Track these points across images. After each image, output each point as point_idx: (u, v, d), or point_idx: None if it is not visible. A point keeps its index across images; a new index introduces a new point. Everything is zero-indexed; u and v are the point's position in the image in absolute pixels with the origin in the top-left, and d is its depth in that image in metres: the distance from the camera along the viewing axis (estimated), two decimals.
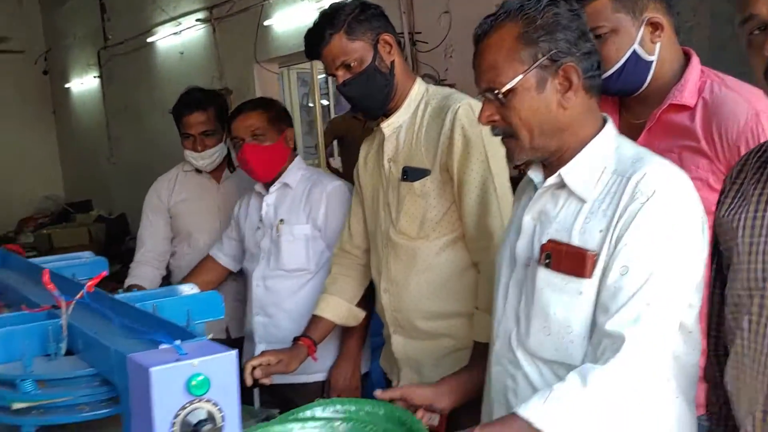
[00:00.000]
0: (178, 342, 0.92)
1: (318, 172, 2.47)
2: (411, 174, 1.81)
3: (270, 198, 2.29)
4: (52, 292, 1.10)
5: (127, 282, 2.59)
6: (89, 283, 1.11)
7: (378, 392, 1.45)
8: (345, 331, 2.25)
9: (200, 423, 0.88)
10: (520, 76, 1.21)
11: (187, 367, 0.88)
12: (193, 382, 0.88)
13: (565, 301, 1.20)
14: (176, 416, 0.87)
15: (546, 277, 1.22)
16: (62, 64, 9.42)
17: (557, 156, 1.26)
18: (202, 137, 2.56)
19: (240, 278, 2.53)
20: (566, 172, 1.24)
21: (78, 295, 1.11)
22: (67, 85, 9.43)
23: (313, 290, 2.20)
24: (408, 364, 1.92)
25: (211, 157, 2.59)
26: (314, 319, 2.06)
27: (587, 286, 1.17)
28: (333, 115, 7.21)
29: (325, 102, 7.63)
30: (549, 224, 1.25)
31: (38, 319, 1.16)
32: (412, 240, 1.83)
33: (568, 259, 1.19)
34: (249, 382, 1.83)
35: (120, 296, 1.31)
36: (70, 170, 10.16)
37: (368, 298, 2.12)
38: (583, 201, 1.22)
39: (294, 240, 2.23)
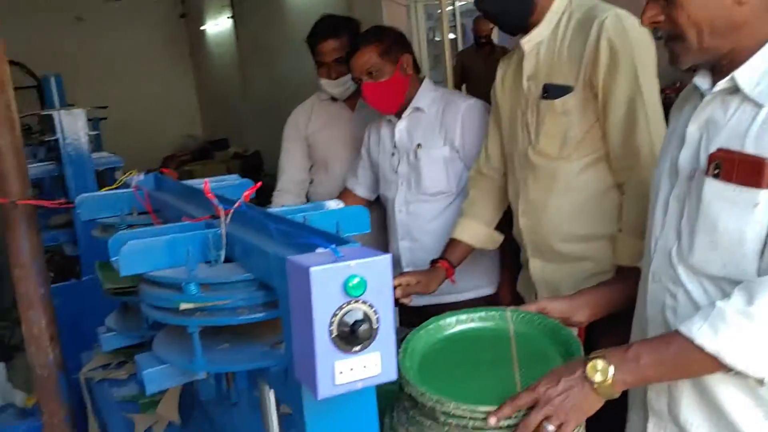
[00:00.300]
0: (334, 246, 0.94)
1: (449, 93, 2.42)
2: (552, 91, 1.74)
3: (402, 123, 2.28)
4: (212, 200, 1.15)
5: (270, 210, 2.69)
6: (246, 193, 1.15)
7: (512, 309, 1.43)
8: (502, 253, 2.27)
9: (357, 323, 0.89)
10: None
11: (344, 268, 0.89)
12: (351, 283, 0.89)
13: (736, 213, 1.11)
14: (334, 315, 0.89)
15: (715, 188, 1.14)
16: (198, 7, 9.76)
17: (729, 59, 1.16)
18: (335, 64, 2.56)
19: (375, 206, 2.56)
20: (741, 74, 1.13)
21: (236, 204, 1.15)
22: (202, 27, 9.78)
23: (457, 211, 2.19)
24: (546, 289, 1.89)
25: (344, 84, 2.60)
26: (452, 242, 2.06)
27: (764, 196, 1.08)
28: (460, 49, 7.06)
29: (452, 36, 7.49)
30: (717, 133, 1.16)
31: (198, 228, 1.21)
32: (552, 160, 1.77)
33: (742, 169, 1.10)
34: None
35: (271, 210, 1.35)
36: (208, 110, 10.63)
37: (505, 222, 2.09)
38: (759, 106, 1.11)
39: (433, 163, 2.21)
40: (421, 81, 2.30)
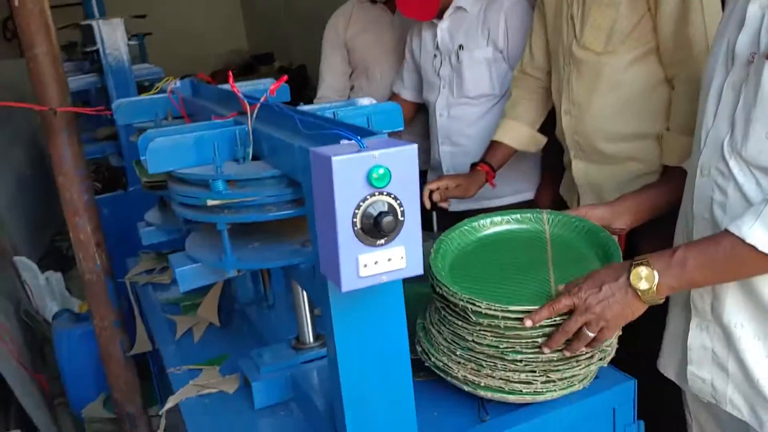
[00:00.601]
0: (359, 137, 0.90)
1: None
2: None
3: (444, 24, 2.19)
4: (238, 95, 1.11)
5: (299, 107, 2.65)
6: (272, 87, 1.11)
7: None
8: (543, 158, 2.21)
9: (381, 214, 0.87)
10: None
11: (368, 158, 0.86)
12: (375, 174, 0.86)
13: None
14: (358, 207, 0.86)
15: None
16: None
17: None
18: None
19: (420, 112, 2.49)
20: None
21: (262, 98, 1.12)
22: None
23: (499, 115, 2.12)
24: (590, 190, 1.83)
25: None
26: (493, 145, 2.00)
27: None
28: None
29: None
30: None
31: (226, 125, 1.19)
32: (598, 55, 1.68)
33: None
34: (428, 205, 1.84)
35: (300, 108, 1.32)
36: (252, 24, 10.50)
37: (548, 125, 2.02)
38: None
39: (475, 65, 2.13)
40: None
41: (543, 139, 2.02)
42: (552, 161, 2.09)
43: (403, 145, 0.88)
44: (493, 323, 1.11)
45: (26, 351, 2.63)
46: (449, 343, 1.18)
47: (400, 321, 1.03)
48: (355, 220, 0.87)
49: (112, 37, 2.90)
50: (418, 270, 0.92)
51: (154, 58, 8.33)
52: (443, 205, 1.89)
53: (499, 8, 2.10)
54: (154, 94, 1.90)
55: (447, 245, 1.30)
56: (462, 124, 2.18)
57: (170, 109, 1.76)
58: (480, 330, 1.13)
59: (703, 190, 1.18)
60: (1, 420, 2.39)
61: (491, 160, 1.98)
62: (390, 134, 1.29)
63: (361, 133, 0.95)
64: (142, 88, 3.01)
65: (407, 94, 2.45)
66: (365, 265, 0.89)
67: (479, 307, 1.11)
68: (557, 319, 1.10)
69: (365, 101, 1.36)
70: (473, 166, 1.98)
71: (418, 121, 2.44)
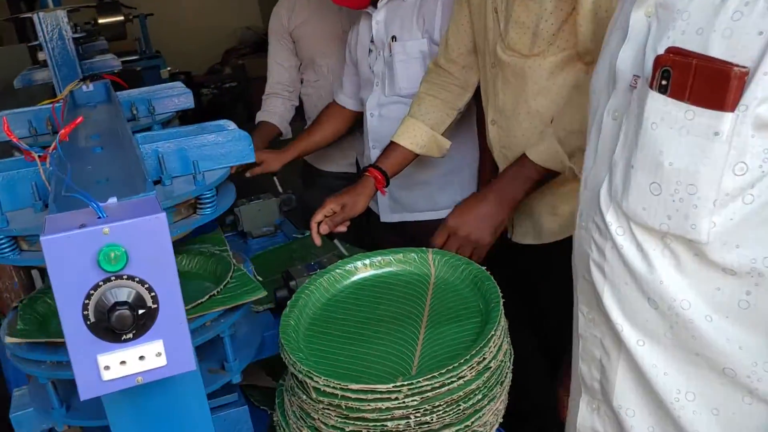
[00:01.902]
0: (97, 203, 0.71)
1: None
2: None
3: (380, 14, 1.95)
4: (19, 144, 0.92)
5: (258, 117, 2.46)
6: (62, 131, 0.92)
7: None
8: (481, 162, 1.99)
9: (115, 307, 0.68)
10: None
11: (95, 235, 0.67)
12: (106, 255, 0.67)
13: (689, 145, 0.77)
14: (88, 296, 0.68)
15: (660, 106, 0.79)
16: None
17: None
18: None
19: None
20: None
21: (51, 148, 0.93)
22: None
23: None
24: (523, 212, 1.59)
25: None
26: (389, 146, 1.75)
27: (728, 123, 0.74)
28: None
29: None
30: (672, 23, 0.80)
31: (24, 166, 1.01)
32: (523, 58, 1.43)
33: (700, 80, 0.75)
34: (318, 241, 1.62)
35: (139, 136, 1.13)
36: (266, 1, 10.28)
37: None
38: None
39: (408, 59, 1.89)
40: None
41: (446, 143, 1.77)
42: (490, 171, 1.85)
43: (150, 214, 0.69)
44: (333, 402, 0.92)
45: None
46: (297, 418, 0.99)
47: (201, 412, 0.84)
48: (86, 313, 0.68)
49: (54, 29, 2.73)
50: (188, 365, 0.73)
51: (164, 37, 8.22)
52: (340, 229, 1.67)
53: None
54: (53, 101, 1.73)
55: (310, 296, 1.11)
56: (393, 126, 1.94)
57: (51, 123, 1.59)
58: (323, 408, 0.94)
59: (581, 244, 0.96)
60: None
61: (383, 163, 1.73)
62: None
63: (122, 190, 0.76)
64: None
65: (346, 101, 2.23)
66: (107, 367, 0.70)
67: (317, 382, 0.92)
68: (408, 401, 0.91)
69: (230, 125, 1.16)
70: (363, 170, 1.75)
71: (359, 123, 2.22)
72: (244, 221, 2.09)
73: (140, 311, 0.69)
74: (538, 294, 1.46)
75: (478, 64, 1.66)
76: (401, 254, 1.17)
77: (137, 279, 0.69)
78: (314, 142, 2.27)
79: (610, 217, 0.88)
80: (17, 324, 1.04)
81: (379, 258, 1.17)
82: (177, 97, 1.66)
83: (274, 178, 2.25)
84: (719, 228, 0.77)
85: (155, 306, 0.70)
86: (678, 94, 0.78)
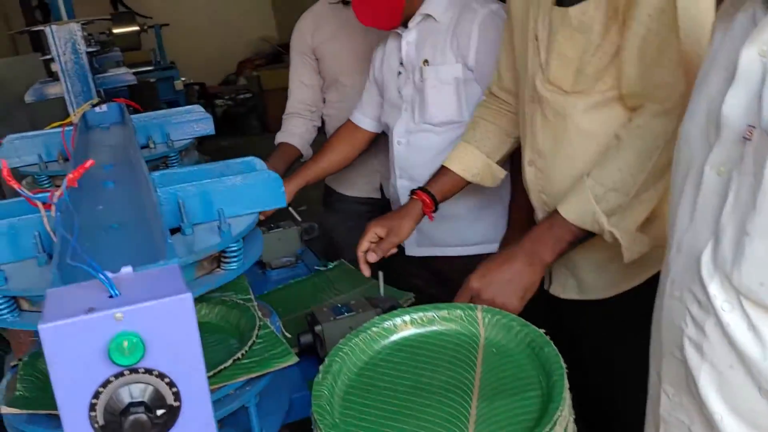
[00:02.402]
0: (111, 274, 0.59)
1: None
2: None
3: (410, 35, 1.83)
4: (20, 190, 0.80)
5: (278, 138, 2.34)
6: (70, 176, 0.80)
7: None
8: (513, 198, 1.86)
9: (130, 408, 0.56)
10: None
11: (105, 323, 0.55)
12: (117, 346, 0.55)
13: None
14: (96, 395, 0.56)
15: None
16: None
17: None
18: None
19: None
20: None
21: (56, 195, 0.80)
22: None
23: None
24: (564, 265, 1.45)
25: None
26: (440, 171, 1.62)
27: None
28: None
29: None
30: None
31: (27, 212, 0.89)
32: (565, 95, 1.29)
33: None
34: (367, 273, 1.52)
35: (156, 176, 1.01)
36: (282, 12, 10.22)
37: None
38: None
39: (440, 85, 1.75)
40: None
41: (501, 173, 1.63)
42: (523, 209, 1.71)
43: (171, 295, 0.57)
44: None
45: None
46: None
47: None
48: (93, 414, 0.56)
49: (67, 43, 2.63)
50: None
51: (179, 47, 8.16)
52: (392, 252, 1.55)
53: (472, 18, 1.73)
54: (63, 123, 1.62)
55: (345, 359, 0.98)
56: (423, 156, 1.82)
57: (60, 151, 1.48)
58: None
59: (671, 316, 0.83)
60: None
61: (432, 187, 1.59)
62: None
63: (140, 255, 0.64)
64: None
65: (363, 121, 2.09)
66: None
67: None
68: None
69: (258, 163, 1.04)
70: (411, 193, 1.62)
71: (384, 146, 2.09)
72: (263, 251, 1.97)
73: (159, 411, 0.57)
74: (579, 356, 1.30)
75: None
76: (446, 310, 1.04)
77: (156, 373, 0.57)
78: (325, 167, 2.14)
79: (715, 290, 0.75)
80: (16, 388, 0.92)
81: (421, 314, 1.04)
82: (196, 122, 1.56)
83: (289, 208, 2.13)
84: None
85: (177, 404, 0.58)
86: None
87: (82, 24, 2.54)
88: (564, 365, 0.91)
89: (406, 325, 1.04)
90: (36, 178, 1.45)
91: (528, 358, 0.96)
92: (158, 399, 0.57)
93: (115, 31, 6.92)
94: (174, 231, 0.93)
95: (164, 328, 0.57)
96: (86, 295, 0.58)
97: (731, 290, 0.74)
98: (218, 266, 0.90)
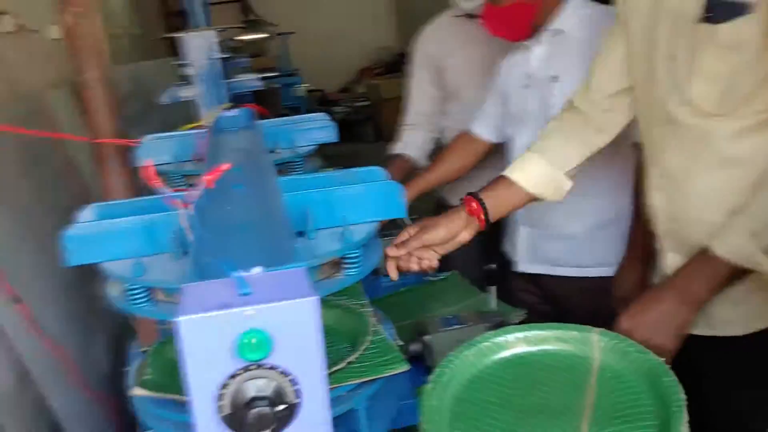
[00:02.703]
0: (240, 274, 0.63)
1: (607, 11, 1.77)
2: (719, 9, 1.18)
3: (539, 49, 1.81)
4: (159, 188, 0.86)
5: (396, 148, 2.37)
6: (207, 177, 0.85)
7: None
8: (635, 221, 1.79)
9: (253, 402, 0.59)
10: None
11: (236, 318, 0.58)
12: (245, 341, 0.58)
13: None
14: (224, 386, 0.59)
15: None
16: None
17: None
18: None
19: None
20: None
21: (193, 195, 0.85)
22: None
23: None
24: None
25: None
26: (497, 179, 1.49)
27: None
28: None
29: None
30: None
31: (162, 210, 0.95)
32: (706, 117, 1.20)
33: None
34: (394, 275, 1.44)
35: (284, 181, 1.05)
36: (403, 22, 10.35)
37: None
38: None
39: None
40: None
41: (566, 185, 1.48)
42: (643, 235, 1.63)
43: (300, 296, 0.59)
44: None
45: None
46: None
47: None
48: (221, 404, 0.60)
49: (202, 49, 2.78)
50: None
51: (301, 54, 8.42)
52: (426, 265, 1.41)
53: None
54: (196, 126, 1.72)
55: (455, 371, 0.98)
56: None
57: (194, 152, 1.57)
58: None
59: None
60: None
61: (485, 194, 1.43)
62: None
63: (266, 258, 0.68)
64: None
65: (482, 131, 2.07)
66: None
67: None
68: None
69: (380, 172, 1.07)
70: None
71: (500, 159, 2.07)
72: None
73: (280, 407, 0.60)
74: (701, 397, 1.21)
75: (626, 107, 1.44)
76: (561, 330, 1.03)
77: (280, 370, 0.60)
78: (439, 176, 2.14)
79: None
80: (146, 372, 0.99)
81: (535, 333, 1.03)
82: (320, 130, 1.61)
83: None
84: None
85: (297, 401, 0.61)
86: None
87: (218, 31, 2.68)
88: (684, 397, 0.87)
89: (518, 342, 1.03)
90: (169, 176, 1.54)
91: (644, 386, 0.93)
92: (280, 395, 0.60)
93: (244, 38, 7.25)
94: (298, 235, 0.97)
95: (291, 327, 0.59)
96: (220, 291, 0.62)
97: None
98: (338, 271, 0.92)
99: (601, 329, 1.02)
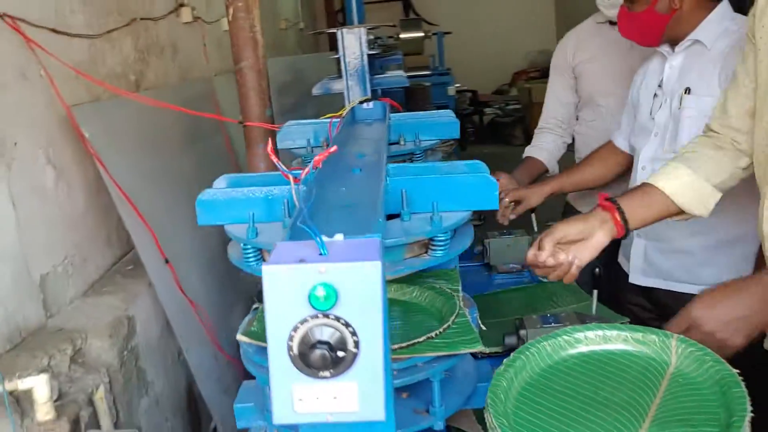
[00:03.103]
0: (326, 238, 0.73)
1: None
2: None
3: (676, 59, 1.79)
4: (277, 163, 0.98)
5: (527, 151, 2.42)
6: (317, 158, 0.96)
7: None
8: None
9: (317, 345, 0.69)
10: None
11: (310, 272, 0.69)
12: (316, 293, 0.68)
13: None
14: (295, 329, 0.70)
15: None
16: None
17: None
18: None
19: None
20: None
21: (304, 172, 0.97)
22: None
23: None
24: None
25: None
26: (639, 186, 1.47)
27: None
28: None
29: None
30: None
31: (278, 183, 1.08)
32: None
33: None
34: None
35: (391, 167, 1.15)
36: (564, 25, 10.17)
37: None
38: None
39: (699, 116, 1.67)
40: (715, 6, 1.76)
41: (714, 198, 1.43)
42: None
43: (364, 259, 0.69)
44: None
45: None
46: None
47: None
48: (291, 343, 0.70)
49: (353, 45, 2.94)
50: (378, 415, 0.72)
51: (457, 55, 8.53)
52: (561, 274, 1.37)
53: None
54: (339, 115, 1.86)
55: (530, 357, 1.04)
56: None
57: (325, 138, 1.70)
58: None
59: None
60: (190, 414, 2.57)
61: (624, 202, 1.38)
62: None
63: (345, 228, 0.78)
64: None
65: (623, 144, 2.06)
66: (301, 399, 0.71)
67: None
68: None
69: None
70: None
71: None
72: (491, 254, 2.07)
73: (340, 353, 0.70)
74: None
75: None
76: (641, 333, 1.05)
77: (342, 321, 0.69)
78: (577, 180, 2.16)
79: None
80: (252, 324, 1.12)
81: (615, 332, 1.06)
82: (443, 126, 1.69)
83: (532, 214, 2.19)
84: None
85: (356, 351, 0.70)
86: None
87: (369, 29, 2.83)
88: (750, 408, 0.88)
89: (597, 340, 1.07)
90: (303, 158, 1.68)
91: (714, 395, 0.94)
92: (341, 342, 0.70)
93: (402, 36, 7.46)
94: (394, 217, 1.06)
95: (355, 285, 0.69)
96: (303, 250, 0.72)
97: None
98: (426, 251, 1.01)
99: (680, 336, 1.03)
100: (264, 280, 0.69)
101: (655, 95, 1.84)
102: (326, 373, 0.71)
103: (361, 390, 0.71)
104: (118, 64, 2.75)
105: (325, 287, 0.68)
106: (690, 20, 1.73)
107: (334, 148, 0.97)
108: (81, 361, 1.99)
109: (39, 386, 1.53)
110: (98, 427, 1.84)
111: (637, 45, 2.19)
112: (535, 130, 2.48)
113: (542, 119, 2.46)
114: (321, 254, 0.72)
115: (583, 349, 1.07)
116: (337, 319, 0.70)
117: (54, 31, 2.23)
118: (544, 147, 2.38)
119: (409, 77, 5.82)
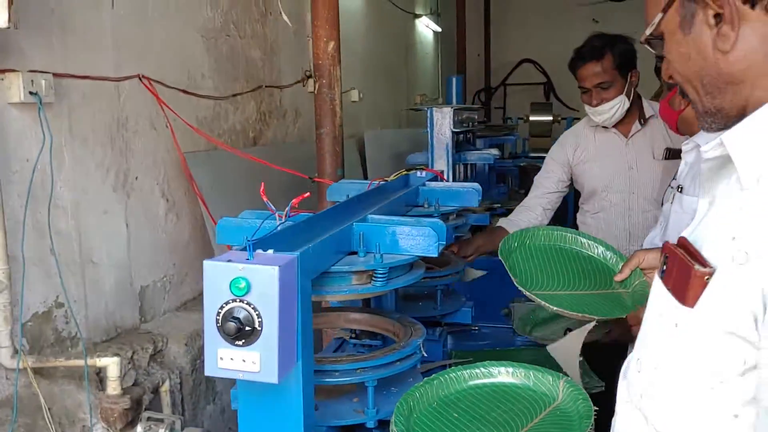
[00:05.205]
0: (260, 251, 1.06)
1: None
2: None
3: (689, 156, 1.94)
4: (266, 201, 1.32)
5: (501, 221, 2.57)
6: (294, 201, 1.28)
7: None
8: None
9: (231, 319, 1.01)
10: (660, 15, 0.84)
11: (233, 269, 1.01)
12: (235, 284, 1.00)
13: (659, 329, 0.83)
14: (221, 307, 1.02)
15: (656, 292, 0.86)
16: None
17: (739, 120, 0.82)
18: (597, 90, 2.33)
19: None
20: (730, 138, 0.80)
21: (286, 210, 1.30)
22: None
23: None
24: None
25: (609, 111, 2.33)
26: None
27: (685, 317, 0.77)
28: None
29: None
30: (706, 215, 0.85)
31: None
32: None
33: (677, 271, 0.80)
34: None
35: (368, 216, 1.46)
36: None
37: None
38: (741, 186, 0.78)
39: (683, 213, 1.79)
40: None
41: None
42: None
43: (269, 264, 1.00)
44: None
45: None
46: None
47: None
48: (218, 317, 1.03)
49: (441, 123, 3.28)
50: (272, 378, 1.02)
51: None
52: None
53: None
54: (381, 179, 2.19)
55: (422, 397, 1.27)
56: None
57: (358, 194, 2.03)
58: None
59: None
60: None
61: None
62: None
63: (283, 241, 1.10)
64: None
65: None
66: (221, 358, 1.03)
67: None
68: None
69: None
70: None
71: None
72: (515, 319, 2.26)
73: (247, 328, 1.01)
74: None
75: None
76: (540, 373, 1.28)
77: (252, 306, 1.01)
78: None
79: (622, 387, 0.91)
80: None
81: (512, 369, 1.30)
82: (464, 196, 1.96)
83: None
84: None
85: (260, 328, 1.01)
86: (666, 282, 0.83)
87: (455, 109, 3.17)
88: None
89: (505, 374, 1.30)
90: None
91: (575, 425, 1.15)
92: (250, 321, 1.01)
93: (531, 118, 7.72)
94: (352, 254, 1.36)
95: (261, 281, 1.00)
96: (239, 256, 1.05)
97: (624, 383, 0.90)
98: (369, 282, 1.30)
99: (568, 378, 1.25)
100: (204, 271, 1.02)
101: (670, 186, 1.99)
102: (240, 342, 1.02)
103: (263, 357, 1.02)
104: (239, 122, 3.26)
105: (241, 280, 1.00)
106: (694, 122, 1.89)
107: (306, 194, 1.30)
108: (160, 360, 2.41)
109: (111, 366, 1.94)
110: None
111: (630, 143, 2.42)
112: (518, 206, 2.63)
113: (527, 198, 2.62)
114: (247, 259, 1.04)
115: (486, 381, 1.31)
116: (249, 303, 1.01)
117: (184, 91, 2.76)
118: (518, 224, 2.46)
119: (528, 157, 6.12)
